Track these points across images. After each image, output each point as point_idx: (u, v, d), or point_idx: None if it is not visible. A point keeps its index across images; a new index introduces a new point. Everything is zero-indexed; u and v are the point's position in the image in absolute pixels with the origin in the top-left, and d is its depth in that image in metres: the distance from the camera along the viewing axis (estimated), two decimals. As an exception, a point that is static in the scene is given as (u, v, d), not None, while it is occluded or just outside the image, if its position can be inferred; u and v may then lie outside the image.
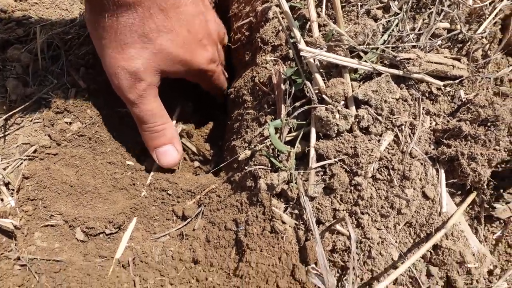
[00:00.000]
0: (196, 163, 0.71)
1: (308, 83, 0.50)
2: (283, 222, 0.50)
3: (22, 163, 0.56)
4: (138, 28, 0.53)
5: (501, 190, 0.52)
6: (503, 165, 0.49)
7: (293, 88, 0.52)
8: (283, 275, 0.47)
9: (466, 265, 0.48)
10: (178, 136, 0.64)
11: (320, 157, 0.50)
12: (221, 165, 0.60)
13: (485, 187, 0.50)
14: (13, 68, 0.60)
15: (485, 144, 0.48)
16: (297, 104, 0.52)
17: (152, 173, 0.62)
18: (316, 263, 0.48)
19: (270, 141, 0.51)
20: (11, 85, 0.58)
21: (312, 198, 0.50)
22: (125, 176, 0.61)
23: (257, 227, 0.50)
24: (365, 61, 0.48)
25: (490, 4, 0.56)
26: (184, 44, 0.57)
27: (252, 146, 0.55)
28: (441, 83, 0.52)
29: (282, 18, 0.50)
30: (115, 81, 0.56)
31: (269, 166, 0.52)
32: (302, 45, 0.47)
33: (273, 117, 0.54)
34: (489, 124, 0.48)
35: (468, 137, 0.49)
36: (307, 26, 0.55)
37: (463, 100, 0.53)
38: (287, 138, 0.53)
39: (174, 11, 0.55)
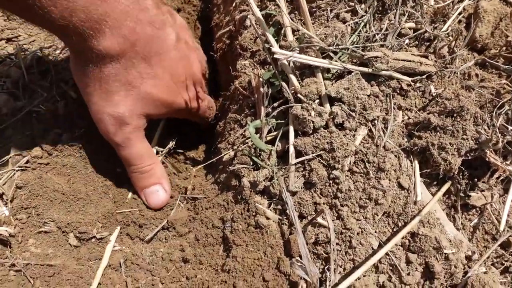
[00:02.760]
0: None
1: (284, 84, 0.53)
2: (267, 218, 0.52)
3: (15, 173, 0.58)
4: (122, 77, 0.55)
5: (475, 179, 0.55)
6: (471, 153, 0.51)
7: (271, 90, 0.55)
8: (269, 268, 0.49)
9: (443, 251, 0.50)
10: (166, 175, 0.65)
11: (299, 154, 0.53)
12: (203, 164, 0.62)
13: (457, 175, 0.53)
14: (3, 83, 0.63)
15: (453, 134, 0.51)
16: (275, 104, 0.55)
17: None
18: (300, 256, 0.50)
19: (252, 141, 0.54)
20: (2, 99, 0.61)
21: (293, 193, 0.52)
22: (116, 182, 0.63)
23: (242, 224, 0.52)
24: (336, 61, 0.51)
25: (452, 3, 0.59)
26: (167, 88, 0.59)
27: (236, 147, 0.58)
28: (410, 79, 0.55)
29: (257, 25, 0.53)
30: (101, 126, 0.58)
31: (251, 164, 0.55)
32: (275, 48, 0.50)
33: (253, 118, 0.57)
34: (455, 115, 0.51)
35: (437, 128, 0.52)
36: (282, 31, 0.58)
37: (433, 94, 0.56)
38: (268, 138, 0.55)
39: (157, 58, 0.57)
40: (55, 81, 0.66)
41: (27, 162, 0.59)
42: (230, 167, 0.56)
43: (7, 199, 0.56)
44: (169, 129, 0.73)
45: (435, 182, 0.54)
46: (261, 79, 0.56)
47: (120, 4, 0.51)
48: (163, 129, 0.71)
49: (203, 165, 0.64)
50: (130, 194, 0.62)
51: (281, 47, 0.55)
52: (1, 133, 0.61)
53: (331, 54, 0.52)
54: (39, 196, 0.56)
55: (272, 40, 0.52)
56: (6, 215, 0.55)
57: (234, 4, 0.70)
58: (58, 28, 0.49)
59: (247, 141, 0.56)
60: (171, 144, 0.69)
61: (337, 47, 0.51)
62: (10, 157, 0.59)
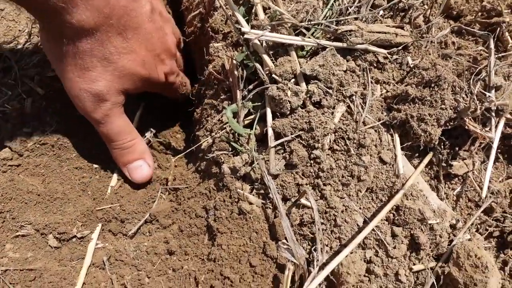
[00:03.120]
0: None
1: (258, 65, 0.51)
2: (250, 203, 0.51)
3: (-15, 178, 0.55)
4: (98, 52, 0.53)
5: (457, 148, 0.55)
6: (451, 123, 0.51)
7: (245, 72, 0.53)
8: (255, 253, 0.49)
9: (427, 222, 0.50)
10: (149, 150, 0.64)
11: (278, 135, 0.51)
12: (182, 153, 0.61)
13: (438, 146, 0.53)
14: (-36, 84, 0.60)
15: (432, 105, 0.50)
16: (251, 87, 0.53)
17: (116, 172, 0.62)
18: (286, 238, 0.50)
19: (229, 125, 0.52)
20: (-36, 101, 0.58)
21: (275, 176, 0.51)
22: (94, 179, 0.62)
23: (225, 211, 0.51)
24: (309, 37, 0.49)
25: (426, -30, 0.58)
26: (144, 62, 0.58)
27: (214, 134, 0.56)
28: (386, 52, 0.54)
29: (226, 5, 0.51)
30: (78, 103, 0.56)
31: (230, 150, 0.53)
32: (245, 28, 0.48)
33: (229, 102, 0.55)
34: (433, 85, 0.51)
35: (416, 100, 0.51)
36: (253, 10, 0.56)
37: (411, 65, 0.55)
38: (246, 122, 0.54)
39: (132, 32, 0.55)
40: (20, 77, 0.62)
41: (-3, 165, 0.56)
42: (209, 155, 0.55)
43: (-21, 205, 0.54)
44: (148, 111, 0.71)
45: (416, 154, 0.54)
46: (234, 61, 0.54)
47: None
48: (142, 113, 0.70)
49: (182, 154, 0.62)
50: (109, 189, 0.60)
51: (252, 26, 0.53)
52: (-34, 136, 0.58)
53: (304, 31, 0.50)
54: (12, 200, 0.54)
55: (241, 19, 0.50)
56: (-21, 222, 0.53)
57: (202, -15, 0.67)
58: (29, 2, 0.46)
59: (224, 126, 0.54)
60: (150, 134, 0.67)
61: (309, 23, 0.49)
62: (-22, 161, 0.56)
